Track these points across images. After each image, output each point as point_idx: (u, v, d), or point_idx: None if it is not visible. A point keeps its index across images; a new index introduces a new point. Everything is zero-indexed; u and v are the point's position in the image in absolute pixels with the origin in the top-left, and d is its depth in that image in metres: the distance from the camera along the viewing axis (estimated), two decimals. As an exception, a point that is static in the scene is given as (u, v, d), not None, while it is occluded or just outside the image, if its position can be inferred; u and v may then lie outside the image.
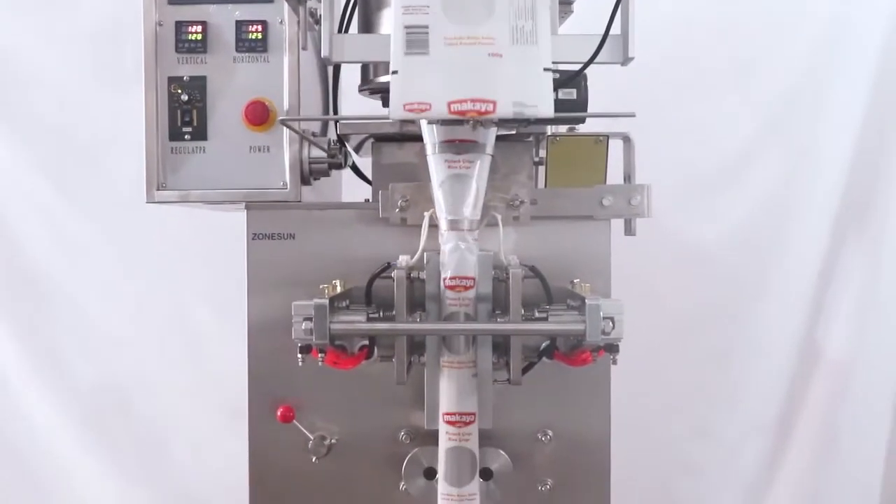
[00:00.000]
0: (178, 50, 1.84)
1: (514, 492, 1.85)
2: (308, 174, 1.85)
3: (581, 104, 1.70)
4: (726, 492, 3.12)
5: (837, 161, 3.01)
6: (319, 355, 1.61)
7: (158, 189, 1.85)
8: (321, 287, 1.65)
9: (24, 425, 3.08)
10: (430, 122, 1.59)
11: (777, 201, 3.02)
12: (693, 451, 3.09)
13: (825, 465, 3.05)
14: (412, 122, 1.68)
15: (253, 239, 1.86)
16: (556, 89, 1.57)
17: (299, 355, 1.61)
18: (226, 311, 2.75)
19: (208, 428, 3.02)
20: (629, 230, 1.87)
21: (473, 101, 1.46)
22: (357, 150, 2.10)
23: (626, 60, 1.61)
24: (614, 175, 1.88)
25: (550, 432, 1.87)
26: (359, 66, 1.95)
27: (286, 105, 1.83)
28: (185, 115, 1.84)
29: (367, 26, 1.89)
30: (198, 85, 1.84)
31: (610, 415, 1.88)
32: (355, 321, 1.61)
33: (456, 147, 1.61)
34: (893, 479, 3.08)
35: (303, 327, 1.56)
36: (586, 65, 1.63)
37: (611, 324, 1.53)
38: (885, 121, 2.99)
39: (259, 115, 1.82)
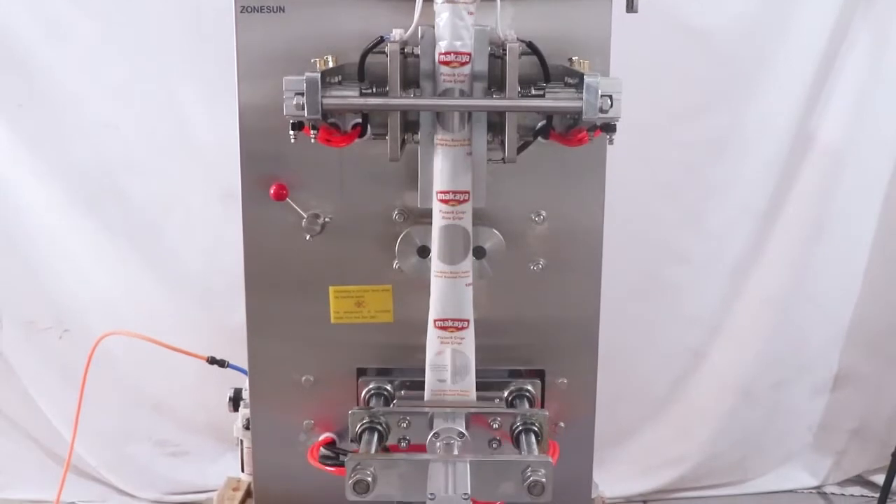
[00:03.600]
0: None
1: (506, 270, 1.87)
2: (297, -58, 1.76)
3: None
4: (711, 277, 3.17)
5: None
6: (312, 132, 1.58)
7: (140, -43, 1.76)
8: (312, 61, 1.60)
9: (17, 207, 3.08)
10: None
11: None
12: (682, 237, 3.12)
13: (811, 250, 3.10)
14: None
15: (241, 12, 1.79)
16: None
17: (291, 132, 1.58)
18: (214, 90, 2.71)
19: (201, 210, 3.02)
20: (631, 7, 1.80)
21: None
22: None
23: None
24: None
25: (544, 213, 1.87)
26: None
27: None
28: None
29: None
30: None
31: (604, 197, 1.88)
32: (348, 96, 1.58)
33: (451, -88, 1.52)
34: (876, 265, 3.14)
35: (294, 103, 1.52)
36: None
37: (609, 101, 1.50)
38: None
39: None
